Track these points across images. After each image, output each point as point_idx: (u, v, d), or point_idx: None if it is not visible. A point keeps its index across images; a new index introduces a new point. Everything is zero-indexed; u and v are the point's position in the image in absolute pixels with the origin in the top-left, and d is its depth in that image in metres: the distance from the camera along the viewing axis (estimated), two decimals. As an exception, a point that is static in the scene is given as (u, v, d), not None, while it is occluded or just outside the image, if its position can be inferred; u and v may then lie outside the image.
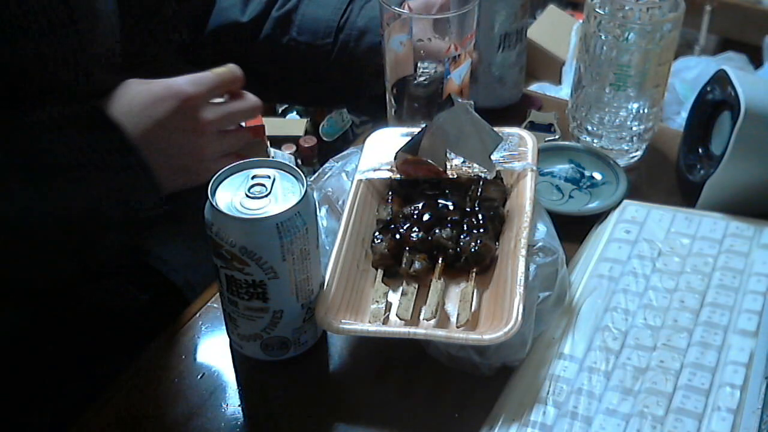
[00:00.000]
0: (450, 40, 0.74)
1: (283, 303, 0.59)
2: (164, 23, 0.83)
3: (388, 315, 0.63)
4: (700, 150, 0.78)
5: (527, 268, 0.61)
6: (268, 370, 0.63)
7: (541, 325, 0.63)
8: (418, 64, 0.76)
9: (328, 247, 0.65)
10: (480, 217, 0.66)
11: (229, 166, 0.59)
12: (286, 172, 0.59)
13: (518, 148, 0.71)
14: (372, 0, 0.88)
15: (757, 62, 1.92)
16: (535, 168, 0.69)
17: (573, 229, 0.73)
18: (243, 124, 0.74)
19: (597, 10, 0.76)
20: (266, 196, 0.57)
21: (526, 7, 0.86)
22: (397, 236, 0.66)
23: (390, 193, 0.70)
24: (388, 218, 0.67)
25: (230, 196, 0.57)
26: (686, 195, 0.78)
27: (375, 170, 0.71)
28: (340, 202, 0.70)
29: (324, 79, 0.90)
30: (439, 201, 0.68)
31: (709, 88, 0.78)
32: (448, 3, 0.76)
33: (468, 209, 0.67)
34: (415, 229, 0.66)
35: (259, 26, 0.89)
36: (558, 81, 1.86)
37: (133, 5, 0.76)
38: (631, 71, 0.77)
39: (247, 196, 0.57)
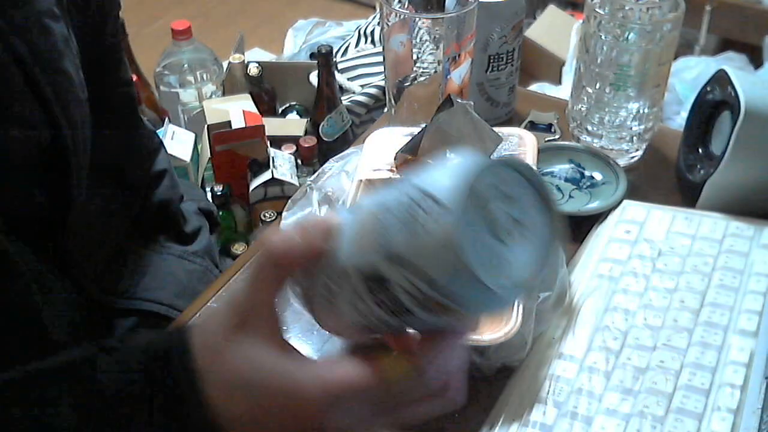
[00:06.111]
0: (450, 40, 0.74)
1: None
2: None
3: (388, 315, 0.62)
4: (700, 150, 0.78)
5: (527, 268, 0.61)
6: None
7: (541, 325, 0.63)
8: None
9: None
10: (480, 217, 0.66)
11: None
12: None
13: (518, 148, 0.71)
14: None
15: (757, 62, 1.92)
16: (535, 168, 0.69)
17: (573, 229, 0.73)
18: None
19: (597, 10, 0.76)
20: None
21: (517, 29, 0.86)
22: (397, 236, 0.66)
23: (390, 193, 0.70)
24: (388, 218, 0.67)
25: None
26: (686, 195, 0.78)
27: (375, 170, 0.71)
28: (340, 202, 0.70)
29: None
30: (439, 201, 0.68)
31: (709, 88, 0.78)
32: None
33: (468, 209, 0.67)
34: (415, 229, 0.65)
35: None
36: (558, 81, 1.85)
37: None
38: (631, 71, 0.77)
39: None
